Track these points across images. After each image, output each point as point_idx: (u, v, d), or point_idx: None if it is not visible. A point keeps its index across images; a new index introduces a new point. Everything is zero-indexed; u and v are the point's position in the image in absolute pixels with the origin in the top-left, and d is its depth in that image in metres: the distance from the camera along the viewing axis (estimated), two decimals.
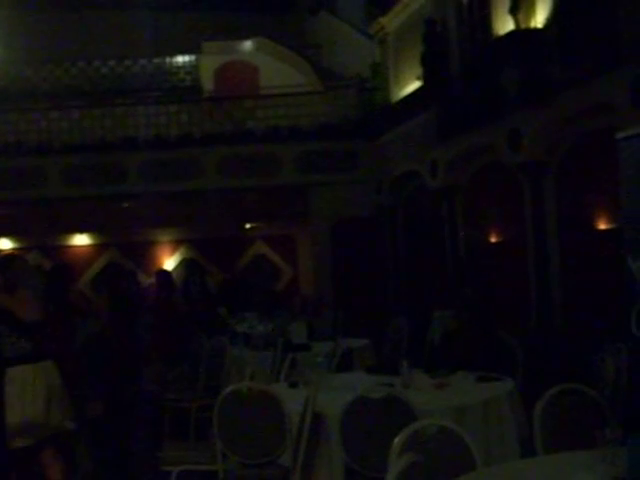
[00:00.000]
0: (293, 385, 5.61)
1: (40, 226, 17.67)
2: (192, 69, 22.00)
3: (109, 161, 16.37)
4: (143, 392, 9.32)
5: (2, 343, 5.55)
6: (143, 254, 19.44)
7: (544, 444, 3.72)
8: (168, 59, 22.19)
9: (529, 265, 11.14)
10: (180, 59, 22.15)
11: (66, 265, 9.63)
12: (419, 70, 13.95)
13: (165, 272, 11.76)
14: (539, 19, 10.38)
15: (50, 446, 5.82)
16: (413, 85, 14.69)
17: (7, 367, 5.55)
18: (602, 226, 9.68)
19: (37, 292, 5.95)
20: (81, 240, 19.64)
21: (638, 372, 2.49)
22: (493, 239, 12.44)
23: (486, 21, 12.09)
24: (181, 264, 19.16)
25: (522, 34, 10.54)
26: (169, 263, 19.27)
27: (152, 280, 17.09)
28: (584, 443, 3.06)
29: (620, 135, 2.47)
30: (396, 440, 3.17)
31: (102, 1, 21.10)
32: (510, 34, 10.79)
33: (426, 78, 13.68)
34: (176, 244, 19.84)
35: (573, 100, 9.66)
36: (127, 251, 19.44)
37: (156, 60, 21.97)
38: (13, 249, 19.32)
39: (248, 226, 19.52)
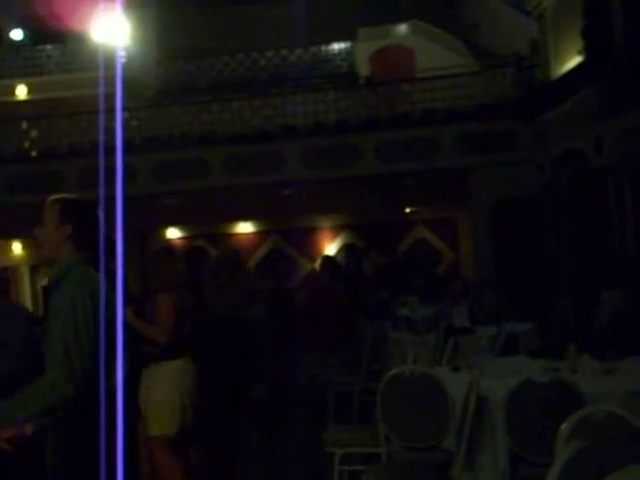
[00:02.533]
0: (456, 369, 5.57)
1: (205, 215, 18.27)
2: (347, 55, 22.18)
3: (269, 150, 16.72)
4: (306, 377, 9.49)
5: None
6: (304, 240, 19.78)
7: None
8: (324, 47, 22.47)
9: None
10: (336, 46, 22.40)
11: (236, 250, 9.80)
12: (580, 44, 13.49)
13: (329, 257, 11.93)
14: None
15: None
16: (574, 61, 14.21)
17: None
18: None
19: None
20: (245, 228, 20.19)
21: None
22: None
23: None
24: (342, 249, 19.38)
25: None
26: (330, 248, 19.52)
27: (314, 265, 17.46)
28: None
29: None
30: (563, 426, 3.10)
31: None
32: None
33: (588, 52, 13.21)
34: (337, 230, 20.05)
35: None
36: (289, 238, 19.83)
37: (312, 48, 22.28)
38: (181, 238, 20.14)
39: (408, 210, 19.48)
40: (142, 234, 17.98)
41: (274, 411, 7.94)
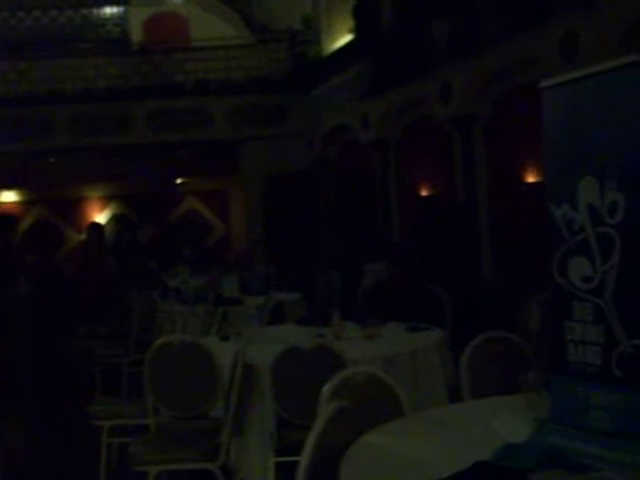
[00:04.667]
0: (224, 338, 5.61)
1: None
2: (120, 21, 21.52)
3: (35, 115, 15.98)
4: (75, 350, 9.24)
5: None
6: (73, 211, 19.11)
7: (471, 391, 3.79)
8: (95, 10, 21.65)
9: (459, 217, 11.27)
10: (108, 10, 21.63)
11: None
12: (351, 23, 13.87)
13: (96, 225, 11.60)
14: None
15: None
16: (345, 38, 14.61)
17: None
18: (530, 179, 9.83)
19: None
20: (8, 197, 19.20)
21: (554, 317, 2.54)
22: (424, 192, 12.54)
23: None
24: (112, 220, 18.92)
25: None
26: (100, 219, 18.99)
27: (82, 237, 16.90)
28: (510, 389, 3.13)
29: (544, 84, 2.49)
30: (325, 388, 3.20)
31: None
32: None
33: (358, 31, 13.62)
34: (106, 200, 19.53)
35: (503, 54, 9.72)
36: (56, 208, 19.09)
37: (83, 11, 21.42)
38: None
39: (179, 181, 19.31)
40: None
41: (40, 386, 7.67)
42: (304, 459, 2.46)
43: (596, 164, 2.30)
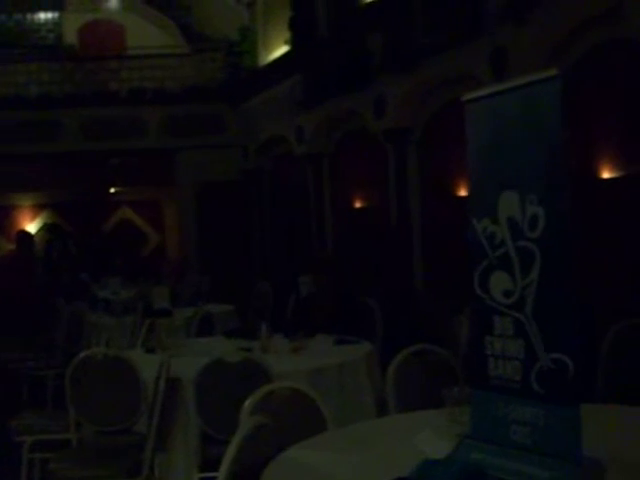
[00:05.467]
0: (150, 350, 5.51)
1: None
2: (55, 26, 21.21)
3: None
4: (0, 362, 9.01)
5: None
6: (3, 219, 18.71)
7: (397, 405, 3.77)
8: (29, 15, 21.30)
9: (392, 230, 11.32)
10: (42, 15, 21.30)
11: None
12: (287, 34, 13.87)
13: (25, 233, 11.34)
14: None
15: None
16: (281, 50, 14.60)
17: None
18: (462, 193, 9.91)
19: None
20: None
21: (476, 332, 2.53)
22: (358, 205, 12.57)
23: None
24: (43, 229, 18.59)
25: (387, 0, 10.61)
26: (31, 228, 18.63)
27: (13, 246, 16.54)
28: (436, 403, 3.10)
29: (467, 96, 2.48)
30: (247, 402, 3.14)
31: None
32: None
33: (294, 43, 13.62)
34: (38, 208, 19.18)
35: (436, 68, 9.80)
36: None
37: (17, 16, 21.06)
38: None
39: (113, 190, 19.05)
40: None
41: None
42: (221, 475, 2.41)
43: (517, 178, 2.29)
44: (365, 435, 2.97)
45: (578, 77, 7.68)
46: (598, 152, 7.91)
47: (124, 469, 4.38)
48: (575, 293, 2.17)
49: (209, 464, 4.30)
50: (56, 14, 21.02)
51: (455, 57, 9.28)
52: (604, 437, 2.42)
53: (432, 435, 2.66)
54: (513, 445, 2.34)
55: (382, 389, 4.97)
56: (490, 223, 2.37)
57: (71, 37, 19.99)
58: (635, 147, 7.58)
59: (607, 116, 7.84)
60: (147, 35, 18.58)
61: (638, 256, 7.50)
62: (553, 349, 2.22)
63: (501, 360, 2.40)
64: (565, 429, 2.20)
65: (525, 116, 2.27)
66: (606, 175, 7.86)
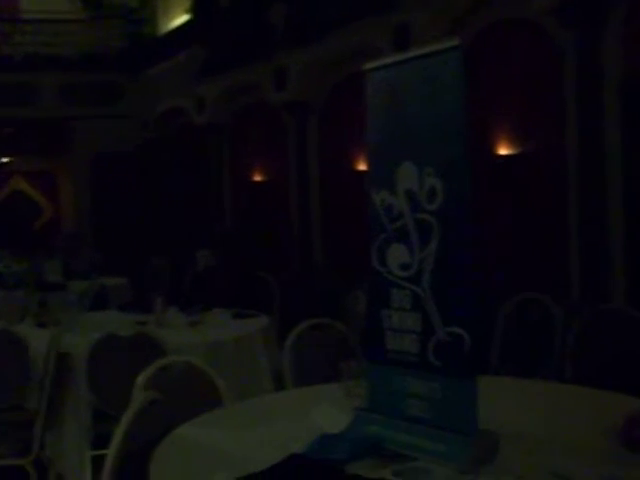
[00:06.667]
0: (41, 325, 5.33)
1: None
2: None
3: None
4: None
5: None
6: None
7: (294, 379, 3.73)
8: None
9: (291, 203, 11.29)
10: None
11: None
12: (188, 3, 13.62)
13: None
14: None
15: None
16: (182, 18, 14.33)
17: None
18: (362, 167, 9.93)
19: None
20: None
21: (373, 305, 2.50)
22: (258, 178, 12.47)
23: None
24: None
25: None
26: None
27: None
28: (333, 377, 3.08)
29: (367, 66, 2.44)
30: (140, 377, 3.06)
31: None
32: None
33: (195, 11, 13.37)
34: None
35: (339, 41, 9.75)
36: None
37: None
38: None
39: (4, 160, 18.41)
40: None
41: None
42: (111, 452, 2.33)
43: (415, 149, 2.26)
44: (261, 410, 2.93)
45: (476, 53, 7.75)
46: (494, 130, 8.03)
47: (13, 447, 4.23)
48: (472, 267, 2.17)
49: (101, 441, 4.18)
50: None
51: (359, 31, 9.27)
52: (498, 409, 2.43)
53: (329, 409, 2.63)
54: (409, 418, 2.33)
55: (279, 363, 4.95)
56: (388, 195, 2.34)
57: None
58: (530, 125, 7.72)
59: (504, 95, 7.97)
60: None
61: (531, 232, 7.66)
62: (450, 322, 2.22)
63: (398, 333, 2.38)
64: (461, 401, 2.20)
65: (425, 87, 2.24)
66: (502, 152, 7.98)
